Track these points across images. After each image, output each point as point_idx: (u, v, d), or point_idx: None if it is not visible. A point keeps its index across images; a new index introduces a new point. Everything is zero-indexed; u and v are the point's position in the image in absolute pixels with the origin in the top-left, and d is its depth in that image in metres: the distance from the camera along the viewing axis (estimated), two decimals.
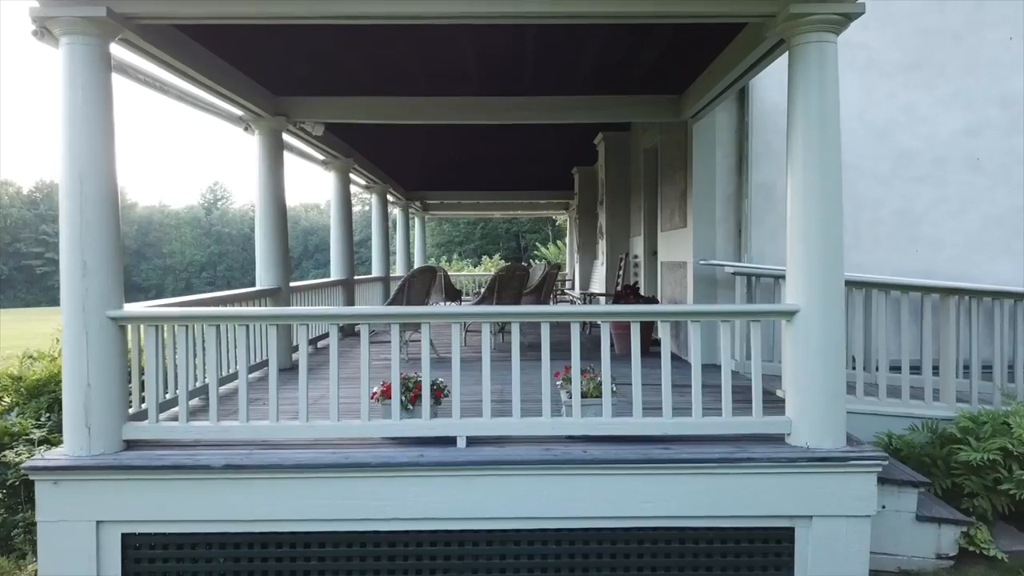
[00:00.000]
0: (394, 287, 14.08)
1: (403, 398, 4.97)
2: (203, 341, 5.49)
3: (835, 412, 4.73)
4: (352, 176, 12.82)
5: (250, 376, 6.08)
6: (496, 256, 39.22)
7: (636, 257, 11.19)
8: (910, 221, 8.38)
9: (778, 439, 4.91)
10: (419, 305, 8.89)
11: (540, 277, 13.58)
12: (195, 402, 5.83)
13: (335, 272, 11.26)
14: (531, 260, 36.80)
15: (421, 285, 8.76)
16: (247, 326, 4.86)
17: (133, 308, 4.94)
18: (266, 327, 5.23)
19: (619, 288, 11.20)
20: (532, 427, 4.83)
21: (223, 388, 6.40)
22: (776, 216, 8.12)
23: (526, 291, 10.38)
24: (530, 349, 8.57)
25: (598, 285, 12.96)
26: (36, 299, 68.48)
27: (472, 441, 4.85)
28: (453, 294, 14.12)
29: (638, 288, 8.99)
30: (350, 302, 11.36)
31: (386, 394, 4.99)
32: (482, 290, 18.74)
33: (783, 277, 6.44)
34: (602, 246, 12.23)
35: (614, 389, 5.03)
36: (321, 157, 11.06)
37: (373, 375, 5.04)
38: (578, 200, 15.65)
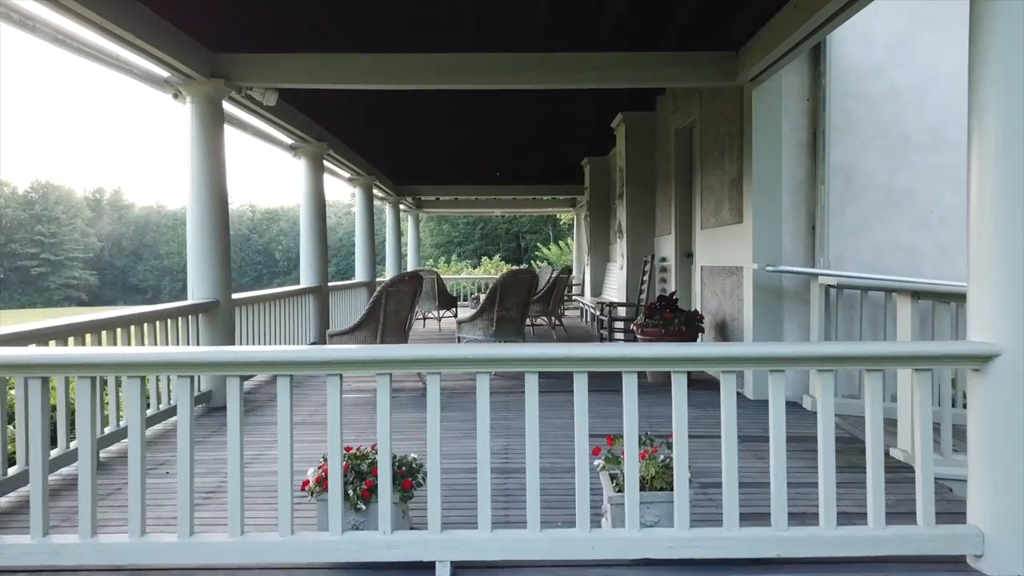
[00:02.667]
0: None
1: (350, 491, 3.03)
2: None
3: None
4: (330, 165, 10.86)
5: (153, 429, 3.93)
6: (496, 257, 37.18)
7: (664, 260, 9.24)
8: None
9: (954, 562, 2.96)
10: (400, 321, 6.93)
11: (547, 283, 11.65)
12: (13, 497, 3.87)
13: (305, 278, 9.30)
14: (532, 261, 34.80)
15: (402, 297, 6.81)
16: (92, 379, 2.89)
17: None
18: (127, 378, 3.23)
19: (643, 296, 9.24)
20: (560, 546, 2.87)
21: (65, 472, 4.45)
22: (860, 207, 6.16)
23: (533, 299, 8.42)
24: (542, 377, 6.59)
25: (615, 292, 10.99)
26: (31, 300, 66.74)
27: (461, 568, 2.90)
28: (447, 301, 12.17)
29: (675, 300, 7.05)
30: (324, 313, 9.39)
31: (324, 484, 3.04)
32: (481, 296, 16.75)
33: (914, 292, 4.48)
34: (620, 247, 10.28)
35: (691, 477, 3.09)
36: (288, 141, 9.10)
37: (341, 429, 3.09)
38: (589, 194, 13.69)
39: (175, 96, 6.24)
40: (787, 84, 6.18)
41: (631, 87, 7.47)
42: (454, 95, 8.47)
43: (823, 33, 5.16)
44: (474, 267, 34.80)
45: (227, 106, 7.04)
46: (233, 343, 6.33)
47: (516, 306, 7.67)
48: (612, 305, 9.28)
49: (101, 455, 4.57)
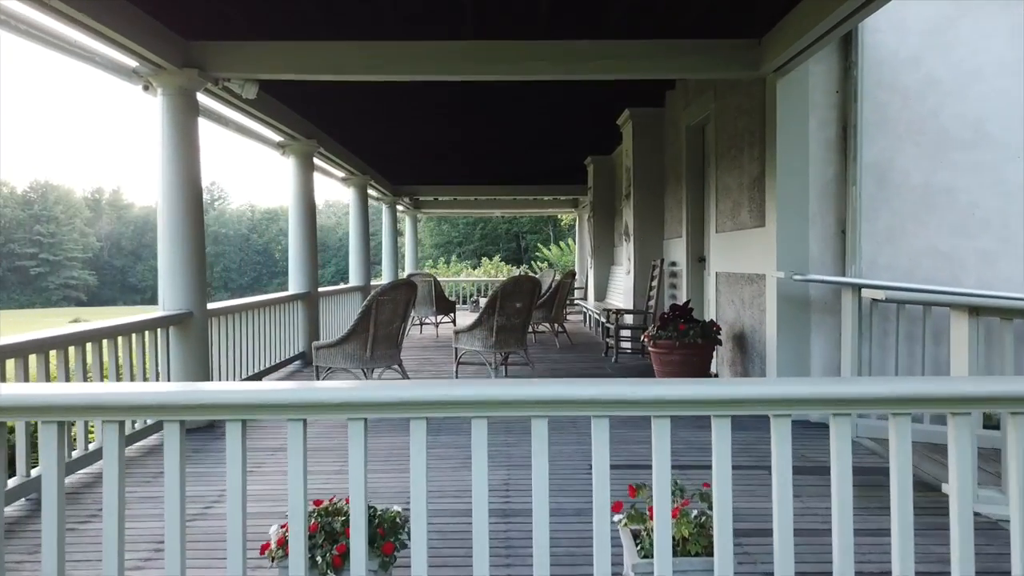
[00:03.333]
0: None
1: (318, 558, 2.47)
2: None
3: None
4: (322, 164, 10.29)
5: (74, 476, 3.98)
6: (496, 258, 36.54)
7: (674, 264, 8.67)
8: None
9: None
10: (392, 332, 6.36)
11: (549, 287, 11.10)
12: None
13: (294, 284, 8.73)
14: (532, 262, 34.21)
15: (395, 306, 6.25)
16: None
17: None
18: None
19: (651, 302, 8.68)
20: None
21: None
22: (894, 210, 5.60)
23: (535, 305, 7.86)
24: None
25: (621, 298, 10.42)
26: (30, 300, 66.26)
27: None
28: (445, 306, 11.61)
29: (690, 310, 6.49)
30: (314, 321, 8.83)
31: (286, 548, 2.48)
32: (479, 299, 16.16)
33: (972, 308, 3.91)
34: (627, 250, 9.72)
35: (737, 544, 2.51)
36: (276, 138, 8.54)
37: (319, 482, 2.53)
38: (593, 195, 13.12)
39: (145, 88, 5.67)
40: (815, 75, 5.61)
41: (643, 79, 6.92)
42: (452, 90, 7.92)
43: (858, 19, 4.61)
44: (474, 267, 34.22)
45: (205, 100, 6.49)
46: (207, 359, 5.77)
47: (517, 314, 7.11)
48: (619, 312, 8.72)
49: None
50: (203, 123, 6.92)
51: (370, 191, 13.79)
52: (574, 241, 35.07)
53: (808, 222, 5.59)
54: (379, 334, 6.21)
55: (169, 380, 5.39)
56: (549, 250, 32.79)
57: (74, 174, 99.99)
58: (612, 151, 12.46)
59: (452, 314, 11.94)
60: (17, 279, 66.92)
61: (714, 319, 6.85)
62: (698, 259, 8.09)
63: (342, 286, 11.23)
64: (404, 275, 17.08)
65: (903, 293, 4.75)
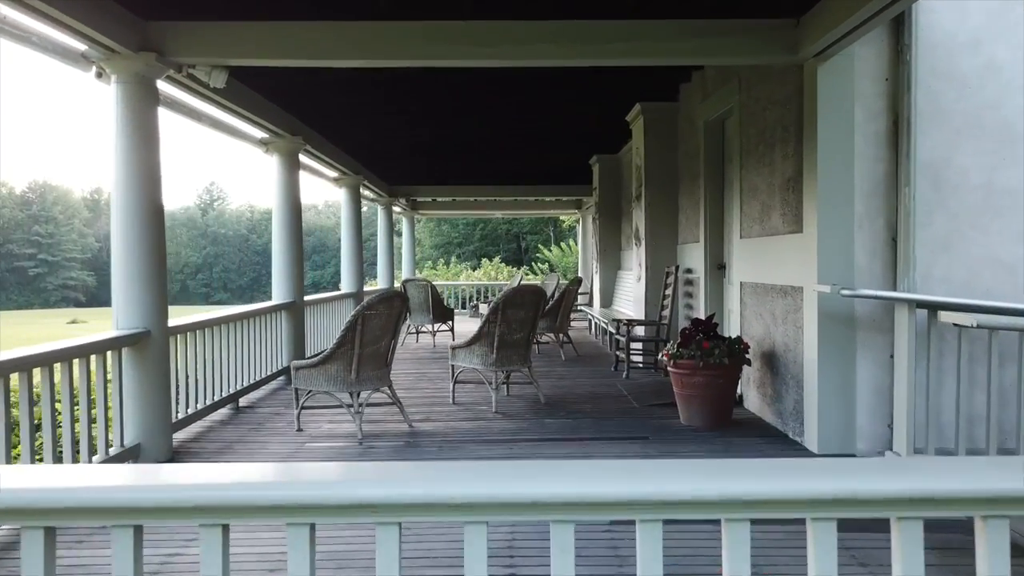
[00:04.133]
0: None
1: None
2: None
3: None
4: (310, 163, 9.57)
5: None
6: (496, 259, 35.76)
7: (690, 272, 7.94)
8: None
9: None
10: (379, 352, 5.64)
11: (553, 295, 10.40)
12: None
13: (278, 293, 7.99)
14: (532, 263, 33.40)
15: (383, 321, 5.52)
16: None
17: None
18: None
19: (665, 312, 7.95)
20: None
21: None
22: (951, 214, 4.87)
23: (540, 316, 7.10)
24: (550, 417, 5.34)
25: (631, 306, 9.70)
26: (28, 301, 65.63)
27: None
28: (442, 313, 10.88)
29: (715, 325, 5.76)
30: (299, 333, 8.09)
31: None
32: (479, 304, 15.43)
33: None
34: (638, 255, 8.99)
35: None
36: (258, 134, 7.81)
37: None
38: (598, 196, 12.38)
39: (98, 75, 4.94)
40: (861, 60, 4.88)
41: (662, 65, 6.18)
42: (449, 82, 7.22)
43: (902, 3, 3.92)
44: (473, 268, 33.47)
45: (172, 90, 5.76)
46: (168, 383, 5.04)
47: (520, 327, 6.39)
48: (630, 323, 7.99)
49: None
50: (175, 117, 6.22)
51: (364, 192, 13.05)
52: (575, 242, 34.37)
53: (854, 228, 4.87)
54: (366, 353, 5.48)
55: (122, 411, 4.66)
56: (550, 251, 32.05)
57: (73, 174, 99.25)
58: (619, 149, 11.74)
59: (450, 322, 11.21)
60: (15, 280, 66.23)
61: (739, 335, 6.13)
62: (717, 266, 7.36)
63: (332, 293, 10.48)
64: (401, 279, 16.37)
65: (996, 318, 3.91)
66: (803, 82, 5.04)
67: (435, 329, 10.97)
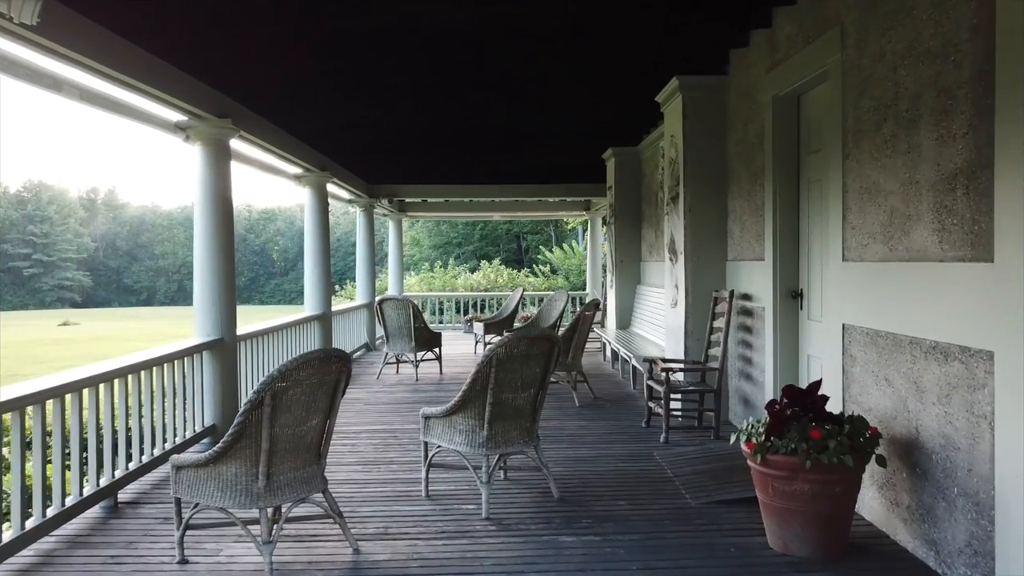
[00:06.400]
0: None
1: None
2: None
3: None
4: (253, 153, 7.45)
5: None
6: (496, 261, 33.54)
7: (748, 299, 5.86)
8: None
9: None
10: (302, 440, 3.56)
11: (559, 318, 8.36)
12: None
13: (203, 324, 5.80)
14: (533, 266, 31.19)
15: (308, 395, 3.43)
16: None
17: None
18: None
19: (712, 349, 5.86)
20: None
21: None
22: None
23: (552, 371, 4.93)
24: (572, 519, 3.36)
25: (660, 334, 7.60)
26: (23, 302, 63.78)
27: None
28: (426, 339, 8.81)
29: (824, 400, 3.68)
30: (230, 374, 5.95)
31: None
32: (474, 320, 13.25)
33: None
34: (674, 273, 6.89)
35: None
36: (172, 117, 5.72)
37: None
38: (614, 196, 10.28)
39: None
40: None
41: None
42: (433, 60, 5.17)
43: None
44: (472, 270, 31.34)
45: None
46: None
47: (524, 388, 4.30)
48: (668, 366, 5.88)
49: None
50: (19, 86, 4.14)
51: (336, 190, 10.94)
52: (578, 243, 32.18)
53: None
54: (280, 446, 3.41)
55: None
56: (551, 252, 29.88)
57: (68, 173, 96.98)
58: (639, 141, 9.65)
59: (437, 349, 9.10)
60: (10, 280, 64.26)
61: (852, 412, 4.04)
62: (791, 294, 5.28)
63: (292, 318, 8.35)
64: (387, 293, 14.27)
65: None
66: (994, 7, 2.96)
67: (418, 359, 8.85)
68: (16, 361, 30.43)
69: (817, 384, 3.80)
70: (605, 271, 12.49)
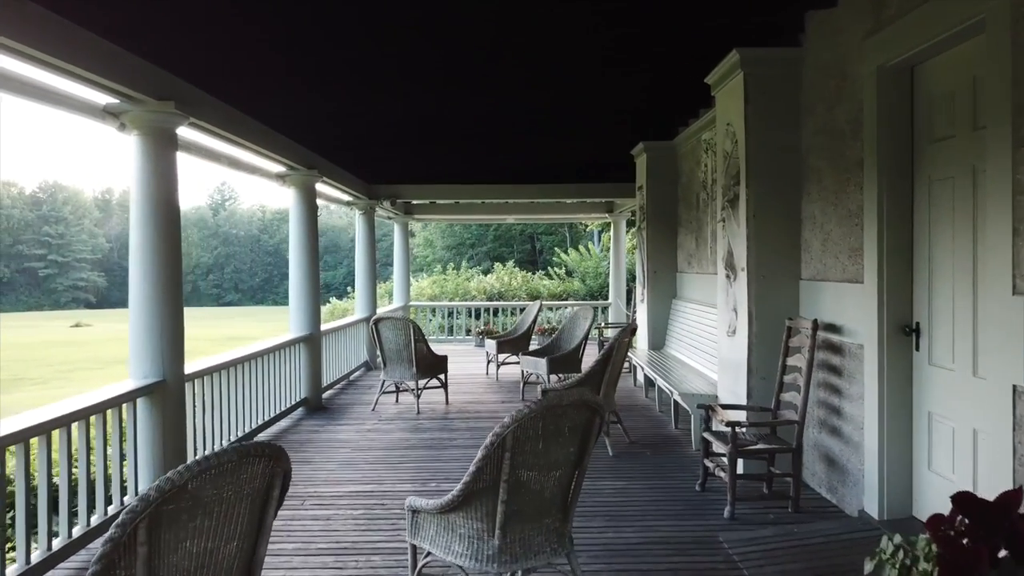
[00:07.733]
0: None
1: None
2: None
3: None
4: (218, 147, 6.16)
5: None
6: (510, 263, 32.15)
7: (836, 331, 4.49)
8: None
9: None
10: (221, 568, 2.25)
11: (583, 340, 7.09)
12: None
13: (139, 362, 4.54)
14: (548, 268, 29.78)
15: (224, 511, 2.15)
16: None
17: None
18: None
19: (784, 395, 4.50)
20: None
21: None
22: None
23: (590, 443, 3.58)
24: None
25: (724, 379, 6.23)
26: (38, 302, 63.35)
27: None
28: (429, 366, 7.52)
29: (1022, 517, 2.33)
30: (176, 427, 4.66)
31: None
32: (485, 332, 11.94)
33: None
34: (731, 292, 5.52)
35: None
36: (100, 101, 4.45)
37: None
38: (646, 197, 8.91)
39: None
40: None
41: None
42: (440, 47, 3.86)
43: None
44: (485, 273, 30.01)
45: None
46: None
47: (552, 468, 2.98)
48: (734, 420, 4.52)
49: None
50: None
51: (329, 191, 9.65)
52: (594, 244, 30.69)
53: None
54: None
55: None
56: (567, 254, 28.45)
57: (83, 174, 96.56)
58: (674, 134, 8.30)
59: (443, 376, 7.78)
60: (25, 280, 63.78)
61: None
62: (903, 330, 3.93)
63: (273, 342, 7.05)
64: (386, 309, 13.01)
65: None
66: None
67: (420, 387, 7.53)
68: (23, 364, 29.48)
69: (1016, 494, 2.45)
70: (633, 282, 11.13)
